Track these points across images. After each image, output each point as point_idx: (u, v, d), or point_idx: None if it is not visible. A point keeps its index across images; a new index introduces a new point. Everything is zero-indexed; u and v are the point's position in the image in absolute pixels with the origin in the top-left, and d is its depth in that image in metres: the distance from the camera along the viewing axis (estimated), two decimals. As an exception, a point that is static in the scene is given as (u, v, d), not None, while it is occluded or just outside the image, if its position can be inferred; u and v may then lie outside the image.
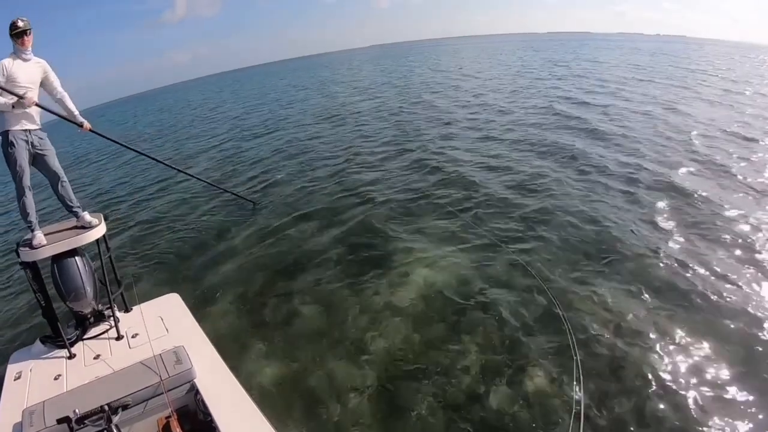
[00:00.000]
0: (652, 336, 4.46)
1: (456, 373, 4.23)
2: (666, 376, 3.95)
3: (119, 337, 3.53)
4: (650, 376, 3.95)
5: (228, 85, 68.78)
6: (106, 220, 3.82)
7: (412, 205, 8.53)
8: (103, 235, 3.72)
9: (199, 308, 5.27)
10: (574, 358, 4.03)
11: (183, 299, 4.16)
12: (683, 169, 9.05)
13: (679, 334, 4.46)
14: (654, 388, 3.84)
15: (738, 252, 5.95)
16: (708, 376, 3.94)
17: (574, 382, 3.82)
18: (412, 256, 6.49)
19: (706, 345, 4.29)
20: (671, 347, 4.30)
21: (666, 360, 4.15)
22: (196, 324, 3.72)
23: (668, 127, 12.56)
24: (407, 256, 6.51)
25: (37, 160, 3.60)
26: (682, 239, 6.36)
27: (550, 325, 4.67)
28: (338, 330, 5.07)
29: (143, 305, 3.99)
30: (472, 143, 12.57)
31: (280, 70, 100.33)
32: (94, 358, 3.32)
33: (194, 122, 27.99)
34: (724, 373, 3.96)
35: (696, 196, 7.67)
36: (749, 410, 3.57)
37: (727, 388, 3.80)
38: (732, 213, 7.03)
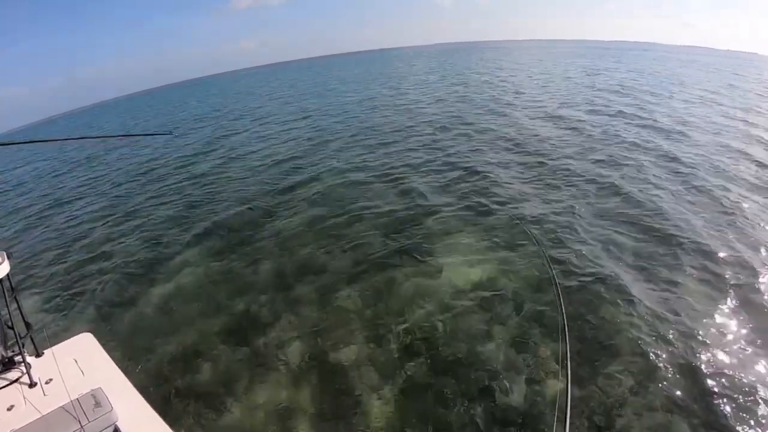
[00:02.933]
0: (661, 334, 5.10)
1: (477, 365, 4.72)
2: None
3: (32, 384, 3.30)
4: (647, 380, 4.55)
5: (290, 75, 75.56)
6: (9, 258, 3.51)
7: (448, 197, 9.68)
8: (7, 274, 3.45)
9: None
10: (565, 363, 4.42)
11: (97, 336, 4.00)
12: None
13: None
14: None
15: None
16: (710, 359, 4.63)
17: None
18: (444, 247, 7.29)
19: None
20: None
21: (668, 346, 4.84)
22: (113, 363, 3.58)
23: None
24: (440, 247, 7.31)
25: None
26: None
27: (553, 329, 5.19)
28: (367, 312, 5.88)
29: (55, 348, 3.77)
30: (507, 140, 14.54)
31: (341, 63, 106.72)
32: (8, 409, 3.08)
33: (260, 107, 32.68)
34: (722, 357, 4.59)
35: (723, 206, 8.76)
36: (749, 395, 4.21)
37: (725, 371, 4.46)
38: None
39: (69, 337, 4.06)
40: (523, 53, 73.29)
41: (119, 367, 3.58)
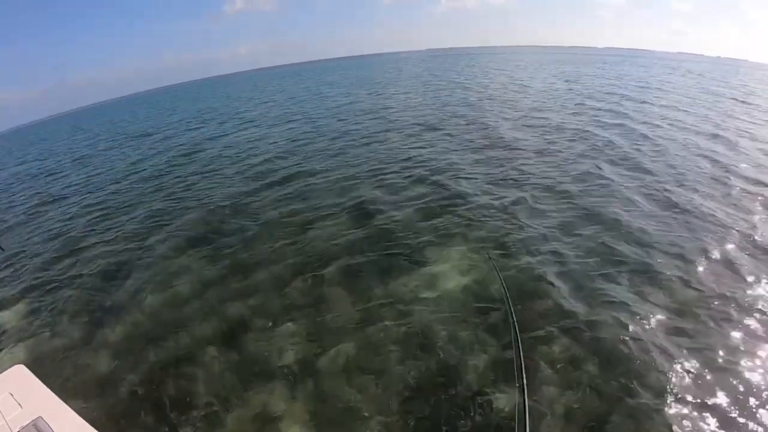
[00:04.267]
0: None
1: (461, 372, 4.73)
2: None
3: None
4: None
5: (278, 81, 74.93)
6: None
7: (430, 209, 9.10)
8: None
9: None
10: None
11: (31, 368, 3.89)
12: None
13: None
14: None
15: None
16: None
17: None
18: (441, 253, 7.12)
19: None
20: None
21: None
22: (51, 392, 3.52)
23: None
24: (427, 258, 7.07)
25: None
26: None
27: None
28: (360, 315, 5.86)
29: None
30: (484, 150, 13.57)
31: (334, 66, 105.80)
32: None
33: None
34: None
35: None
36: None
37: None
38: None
39: (1, 371, 3.95)
40: (512, 59, 73.08)
41: (58, 395, 3.50)
